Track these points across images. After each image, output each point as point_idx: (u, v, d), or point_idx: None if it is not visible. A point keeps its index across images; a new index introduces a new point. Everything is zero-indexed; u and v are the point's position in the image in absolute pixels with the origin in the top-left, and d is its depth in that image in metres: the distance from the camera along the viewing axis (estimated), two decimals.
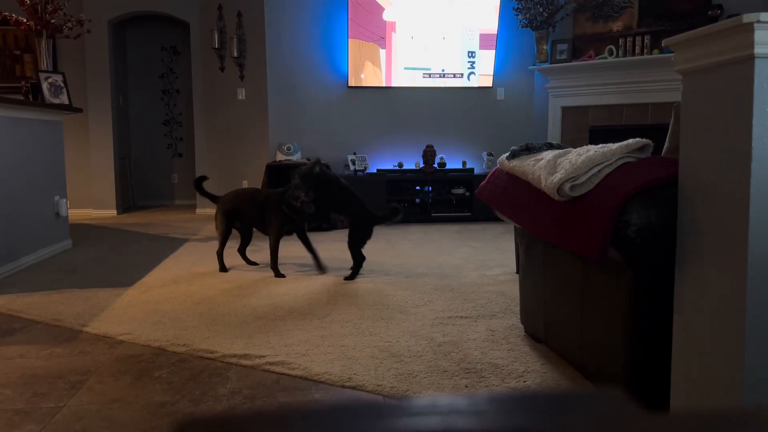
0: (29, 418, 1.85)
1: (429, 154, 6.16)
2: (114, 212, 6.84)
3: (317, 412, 0.29)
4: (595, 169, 1.78)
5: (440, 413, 0.29)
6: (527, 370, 2.20)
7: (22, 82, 4.76)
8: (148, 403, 1.96)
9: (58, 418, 1.85)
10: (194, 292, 3.34)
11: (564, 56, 6.00)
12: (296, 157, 5.98)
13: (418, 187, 6.22)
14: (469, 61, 6.33)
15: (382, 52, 6.20)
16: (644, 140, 1.81)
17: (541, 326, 2.37)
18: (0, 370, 2.24)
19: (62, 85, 4.65)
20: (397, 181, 6.14)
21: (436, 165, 6.20)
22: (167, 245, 4.85)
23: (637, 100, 5.65)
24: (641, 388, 1.74)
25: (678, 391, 1.54)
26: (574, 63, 5.89)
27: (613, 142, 1.86)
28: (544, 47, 6.12)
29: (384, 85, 6.29)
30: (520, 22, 6.15)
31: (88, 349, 2.47)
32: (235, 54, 6.24)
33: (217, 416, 0.29)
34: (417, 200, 6.20)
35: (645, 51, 5.52)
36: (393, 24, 6.18)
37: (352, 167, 6.12)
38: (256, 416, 0.28)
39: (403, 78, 6.30)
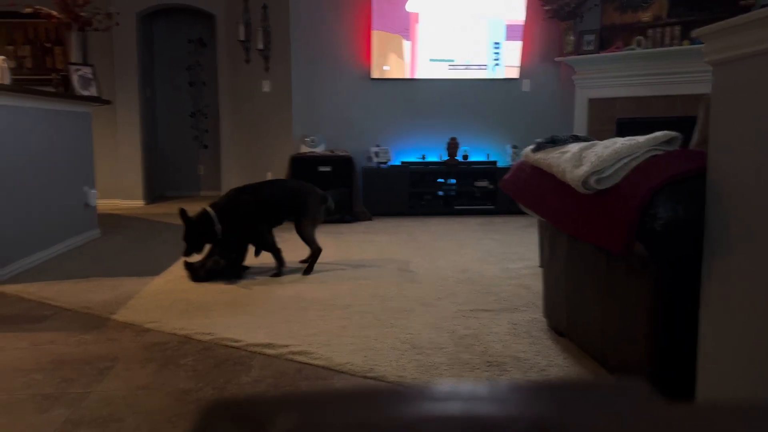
0: (58, 403, 1.90)
1: (452, 146, 6.12)
2: (141, 202, 6.94)
3: (342, 396, 0.29)
4: (622, 162, 1.76)
5: (461, 399, 0.29)
6: (549, 363, 2.19)
7: (53, 75, 4.85)
8: (173, 390, 2.00)
9: (86, 403, 1.90)
10: (219, 282, 3.38)
11: (591, 47, 5.91)
12: (320, 149, 5.99)
13: (441, 180, 6.19)
14: (494, 53, 6.28)
15: (407, 44, 6.18)
16: (672, 133, 1.78)
17: (564, 320, 2.35)
18: (30, 355, 2.30)
19: (92, 77, 4.72)
20: (419, 173, 6.12)
21: (459, 157, 6.17)
22: None
23: (666, 91, 5.54)
24: (665, 383, 1.72)
25: (704, 385, 1.52)
26: (601, 54, 5.80)
27: (641, 134, 1.83)
28: (571, 38, 6.03)
29: (408, 76, 6.27)
30: (547, 12, 6.07)
31: (116, 336, 2.52)
32: (261, 46, 6.26)
33: (246, 399, 0.29)
34: (440, 192, 6.18)
35: (675, 42, 5.41)
36: (417, 15, 6.14)
37: (375, 159, 6.12)
38: (283, 399, 0.29)
39: (427, 70, 6.26)
